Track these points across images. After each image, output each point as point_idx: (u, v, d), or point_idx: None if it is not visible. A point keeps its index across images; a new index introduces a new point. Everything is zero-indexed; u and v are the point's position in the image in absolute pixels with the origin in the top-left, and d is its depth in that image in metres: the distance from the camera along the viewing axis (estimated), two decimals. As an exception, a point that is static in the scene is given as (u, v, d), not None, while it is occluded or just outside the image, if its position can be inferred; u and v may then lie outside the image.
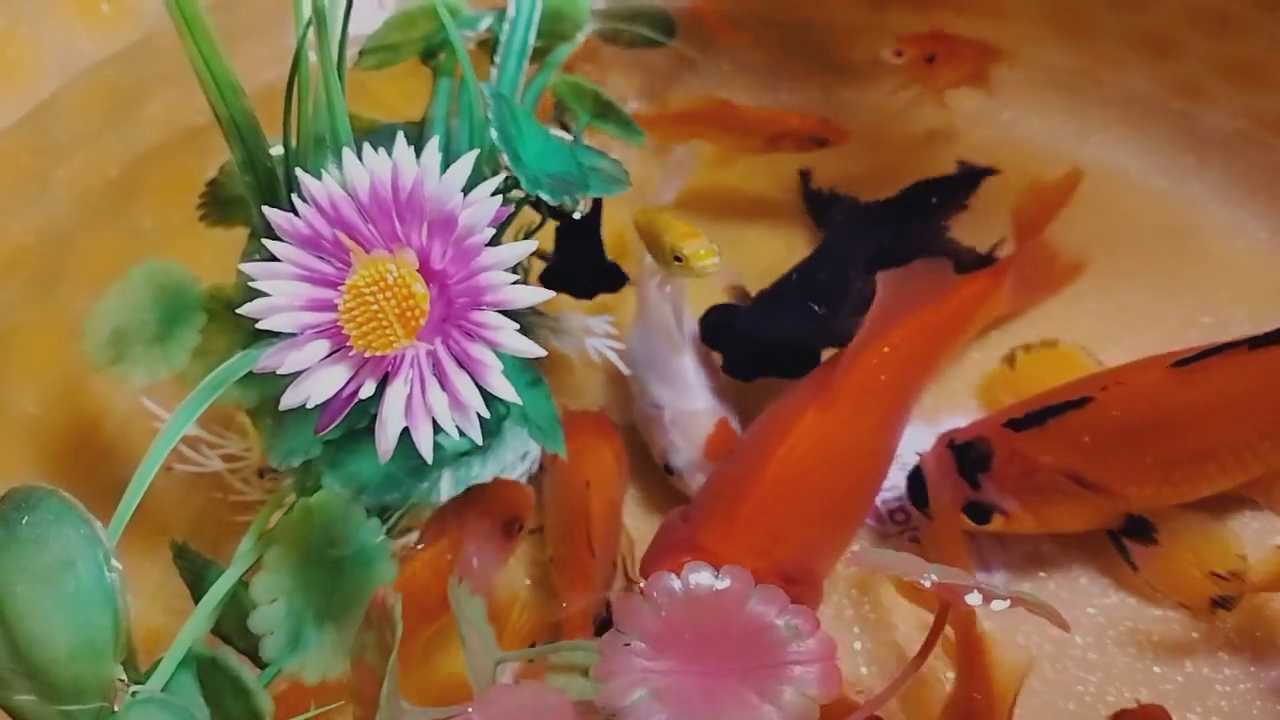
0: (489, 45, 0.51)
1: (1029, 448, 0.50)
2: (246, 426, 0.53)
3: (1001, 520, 0.50)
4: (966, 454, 0.51)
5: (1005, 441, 0.51)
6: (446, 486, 0.48)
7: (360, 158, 0.33)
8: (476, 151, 0.35)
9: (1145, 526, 0.51)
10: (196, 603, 0.39)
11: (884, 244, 0.60)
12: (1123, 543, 0.51)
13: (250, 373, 0.37)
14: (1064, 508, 0.51)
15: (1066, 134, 0.70)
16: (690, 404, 0.54)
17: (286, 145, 0.42)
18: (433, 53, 0.52)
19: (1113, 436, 0.50)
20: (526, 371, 0.46)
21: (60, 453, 0.54)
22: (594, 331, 0.55)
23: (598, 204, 0.55)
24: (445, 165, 0.32)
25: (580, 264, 0.55)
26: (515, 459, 0.51)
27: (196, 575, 0.43)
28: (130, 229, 0.59)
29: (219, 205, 0.49)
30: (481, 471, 0.49)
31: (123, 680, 0.31)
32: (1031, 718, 0.47)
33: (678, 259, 0.51)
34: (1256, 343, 0.50)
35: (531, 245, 0.33)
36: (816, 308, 0.57)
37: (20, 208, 0.57)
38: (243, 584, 0.39)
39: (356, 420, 0.40)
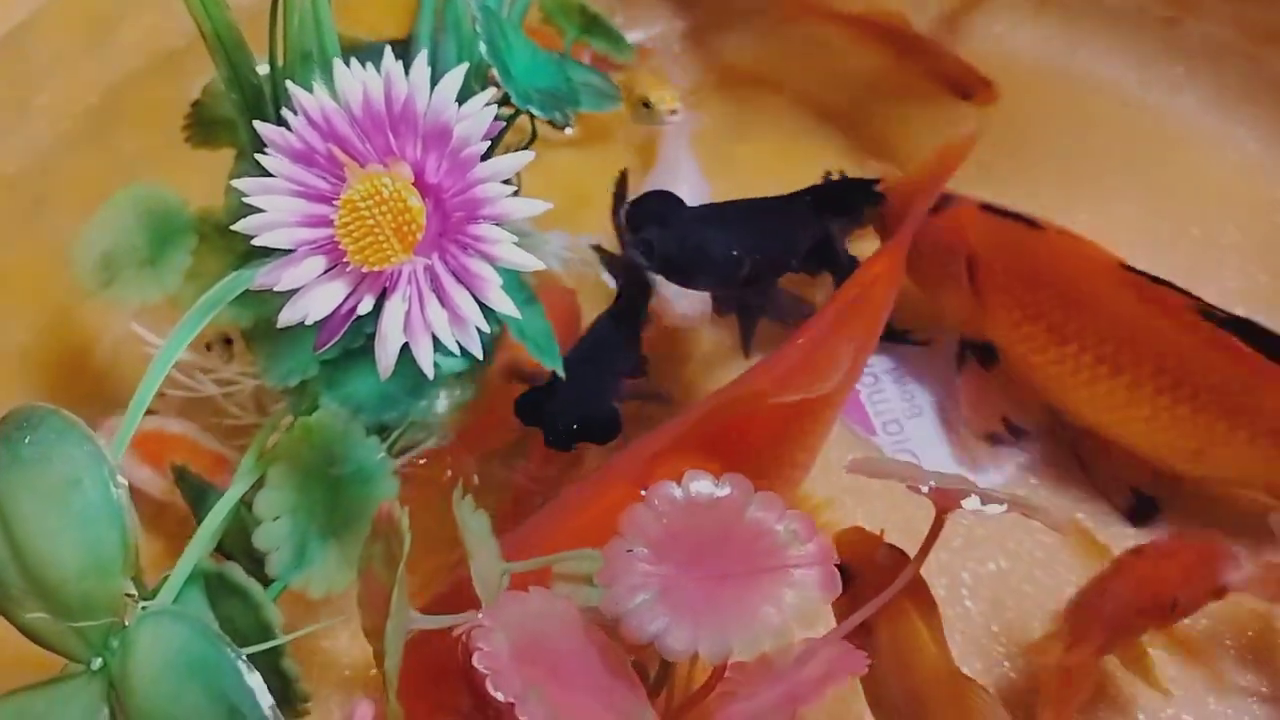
0: (473, -41, 0.50)
1: (961, 215, 0.53)
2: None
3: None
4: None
5: (961, 203, 0.53)
6: (442, 407, 0.48)
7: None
8: (467, 64, 0.34)
9: (990, 353, 0.53)
10: (199, 524, 0.39)
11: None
12: (964, 354, 0.54)
13: (244, 293, 0.36)
14: (933, 262, 0.53)
15: (1057, 47, 0.69)
16: None
17: (273, 62, 0.41)
18: (416, -33, 0.51)
19: (1026, 262, 0.51)
20: (521, 289, 0.46)
21: (54, 380, 0.54)
22: (553, 248, 0.55)
23: (636, 354, 0.51)
24: (433, 81, 0.32)
25: (576, 401, 0.46)
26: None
27: (198, 497, 0.43)
28: (113, 154, 0.58)
29: (204, 127, 0.48)
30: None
31: (132, 595, 0.32)
32: (1024, 620, 0.48)
33: (645, 105, 0.60)
34: (1209, 314, 0.48)
35: (528, 155, 0.33)
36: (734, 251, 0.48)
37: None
38: (244, 504, 0.40)
39: (352, 340, 0.40)
